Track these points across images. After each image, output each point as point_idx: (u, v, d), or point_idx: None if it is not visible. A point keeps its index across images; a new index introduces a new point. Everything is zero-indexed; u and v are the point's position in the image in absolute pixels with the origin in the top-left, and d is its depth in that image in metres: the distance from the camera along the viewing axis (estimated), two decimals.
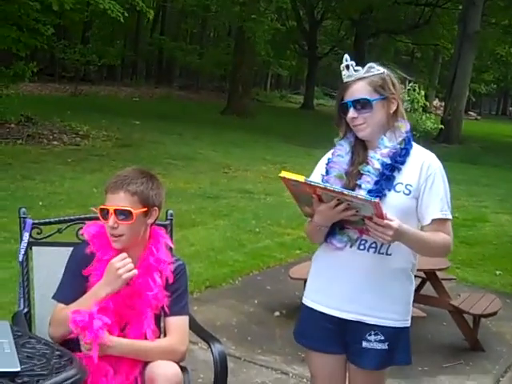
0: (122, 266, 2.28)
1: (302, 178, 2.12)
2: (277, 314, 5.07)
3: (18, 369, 1.75)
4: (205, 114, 22.47)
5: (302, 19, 35.55)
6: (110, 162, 10.95)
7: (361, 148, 2.41)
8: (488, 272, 6.96)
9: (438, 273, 4.88)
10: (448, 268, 4.95)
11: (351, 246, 2.35)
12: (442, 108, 26.79)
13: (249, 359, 4.22)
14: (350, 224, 2.27)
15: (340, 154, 2.42)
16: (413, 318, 4.09)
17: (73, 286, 2.42)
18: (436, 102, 37.61)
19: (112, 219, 2.32)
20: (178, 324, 2.42)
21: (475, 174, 15.57)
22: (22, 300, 2.64)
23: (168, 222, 2.91)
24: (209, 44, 40.59)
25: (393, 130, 2.37)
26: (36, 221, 2.72)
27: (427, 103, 10.07)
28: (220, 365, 2.45)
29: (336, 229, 2.34)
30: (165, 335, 2.46)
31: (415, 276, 5.05)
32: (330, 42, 39.33)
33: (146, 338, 2.36)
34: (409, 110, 10.57)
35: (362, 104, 2.32)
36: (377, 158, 2.34)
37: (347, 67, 2.34)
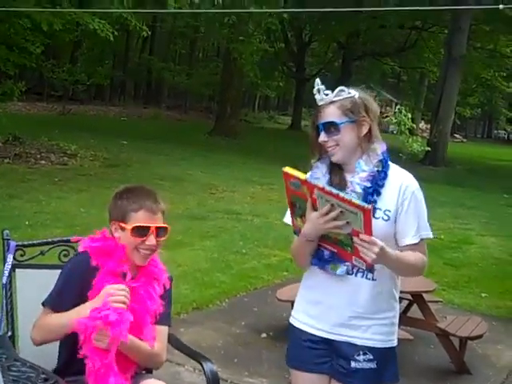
0: (115, 295, 2.29)
1: (303, 176, 2.15)
2: (264, 335, 5.05)
3: None
4: (193, 135, 22.52)
5: (290, 41, 35.87)
6: (97, 181, 10.93)
7: (337, 170, 2.42)
8: (474, 294, 6.99)
9: (424, 295, 4.90)
10: (434, 290, 4.97)
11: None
12: (428, 130, 27.03)
13: (236, 381, 4.20)
14: (335, 245, 2.26)
15: (317, 176, 2.42)
16: (400, 340, 4.11)
17: (70, 295, 2.41)
18: (422, 125, 37.92)
19: (152, 237, 2.38)
20: (163, 333, 2.50)
21: (461, 196, 15.67)
22: (2, 324, 2.61)
23: None
24: (197, 65, 40.78)
25: (368, 152, 2.37)
26: (19, 243, 2.71)
27: (414, 125, 10.16)
28: (212, 383, 2.49)
29: (329, 259, 2.34)
30: None
31: (402, 298, 5.12)
32: (318, 63, 39.70)
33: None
34: (395, 132, 10.67)
35: (331, 127, 2.34)
36: (356, 182, 2.35)
37: (318, 91, 2.37)
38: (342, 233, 2.19)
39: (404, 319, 5.08)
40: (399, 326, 4.52)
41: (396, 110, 10.16)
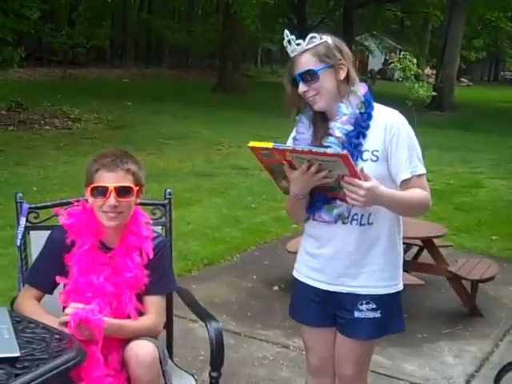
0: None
1: (270, 145, 2.10)
2: (275, 288, 5.09)
3: (18, 354, 1.75)
4: (196, 93, 22.36)
5: None
6: (102, 144, 10.89)
7: (321, 120, 2.36)
8: (484, 237, 6.99)
9: (434, 240, 4.90)
10: (444, 235, 4.97)
11: (342, 222, 2.32)
12: (433, 76, 26.67)
13: (249, 334, 4.24)
14: (330, 192, 2.23)
15: (301, 130, 2.38)
16: (411, 286, 4.14)
17: (48, 271, 2.41)
18: (427, 70, 37.41)
19: (113, 197, 2.30)
20: (156, 303, 2.42)
21: (469, 140, 15.56)
22: (21, 284, 2.62)
23: (167, 201, 2.88)
24: (197, 22, 40.23)
25: (348, 96, 2.31)
26: (32, 205, 2.71)
27: (419, 71, 9.99)
28: (216, 342, 2.44)
29: (323, 202, 2.31)
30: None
31: (412, 244, 5.13)
32: (319, 14, 39.02)
33: (129, 317, 2.35)
34: (401, 78, 10.52)
35: (309, 75, 2.27)
36: (337, 126, 2.29)
37: (289, 42, 2.31)
38: (330, 182, 2.16)
39: (414, 265, 5.12)
40: (409, 272, 4.59)
41: (401, 55, 9.99)
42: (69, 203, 2.73)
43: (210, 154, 11.34)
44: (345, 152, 2.04)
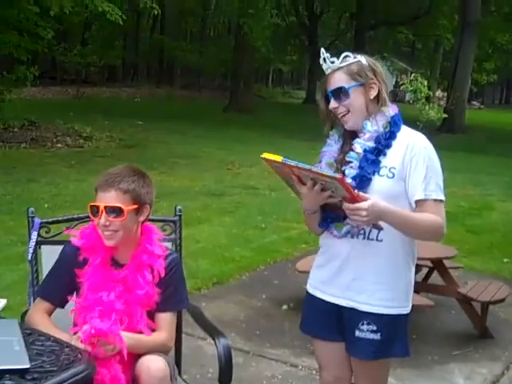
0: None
1: (279, 158, 2.14)
2: (285, 307, 5.07)
3: (28, 366, 1.76)
4: (207, 113, 22.48)
5: (301, 14, 35.50)
6: (114, 162, 10.78)
7: (349, 136, 2.42)
8: (495, 260, 6.94)
9: (445, 261, 4.88)
10: (455, 256, 4.95)
11: (351, 236, 2.35)
12: (444, 98, 26.70)
13: (258, 353, 4.23)
14: (339, 209, 2.24)
15: (330, 143, 2.47)
16: (421, 307, 4.12)
17: (59, 286, 2.44)
18: (438, 93, 37.50)
19: (103, 217, 2.32)
20: (168, 320, 2.43)
21: (480, 162, 15.52)
22: (31, 298, 2.64)
23: (177, 218, 2.90)
24: (209, 42, 40.58)
25: (376, 114, 2.36)
26: (44, 220, 2.73)
27: (430, 93, 10.02)
28: (224, 359, 2.44)
29: (333, 219, 2.35)
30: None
31: (422, 265, 5.11)
32: (331, 36, 39.27)
33: (141, 334, 2.36)
34: (412, 100, 10.54)
35: (340, 93, 2.34)
36: (359, 142, 2.35)
37: (324, 60, 2.38)
38: (335, 201, 2.20)
39: (424, 286, 5.09)
40: (419, 293, 4.56)
41: (411, 77, 10.02)
42: (80, 219, 2.75)
43: (220, 173, 11.37)
44: (339, 176, 2.11)
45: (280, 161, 2.13)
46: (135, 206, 2.37)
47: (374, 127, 2.34)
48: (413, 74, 11.15)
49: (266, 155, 2.16)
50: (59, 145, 12.96)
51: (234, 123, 19.77)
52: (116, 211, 2.32)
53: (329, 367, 2.59)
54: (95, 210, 2.34)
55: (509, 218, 9.30)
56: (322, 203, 2.26)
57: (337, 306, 2.44)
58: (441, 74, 37.53)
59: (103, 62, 26.37)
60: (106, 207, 2.32)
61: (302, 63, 42.93)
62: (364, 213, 2.11)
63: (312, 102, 34.19)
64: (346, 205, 2.14)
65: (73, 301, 2.44)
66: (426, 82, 9.76)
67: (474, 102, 46.61)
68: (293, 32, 35.55)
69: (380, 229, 2.25)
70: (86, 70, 27.77)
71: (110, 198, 2.33)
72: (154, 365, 2.24)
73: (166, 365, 2.27)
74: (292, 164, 2.14)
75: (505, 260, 6.93)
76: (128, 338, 2.27)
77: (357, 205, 2.12)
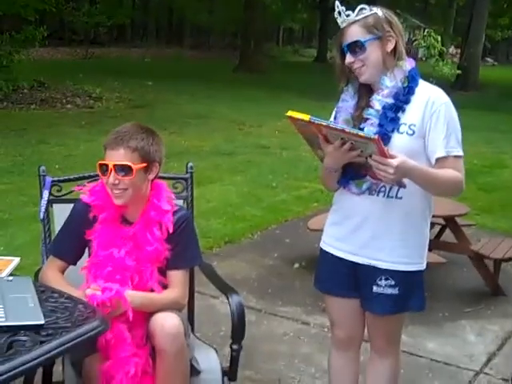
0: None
1: (306, 117, 2.10)
2: (296, 266, 5.09)
3: (42, 322, 1.77)
4: (217, 73, 22.30)
5: None
6: (124, 123, 10.62)
7: (365, 91, 2.37)
8: (507, 218, 6.92)
9: (457, 219, 4.86)
10: (467, 214, 4.92)
11: (369, 193, 2.34)
12: (458, 55, 26.33)
13: (270, 311, 4.26)
14: (363, 169, 2.24)
15: (345, 98, 2.40)
16: (433, 264, 4.12)
17: (71, 243, 2.45)
18: (452, 49, 36.96)
19: (112, 175, 2.30)
20: (180, 277, 2.42)
21: (493, 120, 15.37)
22: (44, 257, 2.65)
23: (188, 175, 2.89)
24: (219, 1, 40.04)
25: (393, 69, 2.31)
26: (55, 178, 2.73)
27: (444, 48, 9.83)
28: (237, 316, 2.45)
29: (353, 176, 2.32)
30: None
31: (435, 223, 5.10)
32: None
33: (152, 291, 2.37)
34: (425, 56, 10.36)
35: (356, 46, 2.28)
36: (378, 99, 2.30)
37: (339, 13, 2.31)
38: (362, 160, 2.18)
39: (437, 243, 5.08)
40: (432, 250, 4.55)
41: (425, 33, 9.83)
42: (91, 177, 2.75)
43: (231, 133, 11.33)
44: (376, 137, 2.05)
45: (307, 119, 2.10)
46: (144, 164, 2.35)
47: (392, 82, 2.29)
48: (426, 30, 10.92)
49: (291, 113, 2.12)
50: (69, 106, 12.93)
51: (244, 83, 19.62)
52: (125, 169, 2.31)
53: (341, 324, 2.60)
54: (104, 169, 2.33)
55: None
56: (347, 162, 2.23)
57: (352, 262, 2.43)
58: (454, 31, 36.93)
59: (112, 22, 26.07)
60: (114, 165, 2.30)
61: (313, 21, 42.35)
62: (391, 170, 2.08)
63: (323, 60, 33.96)
64: (375, 157, 2.09)
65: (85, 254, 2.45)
66: (439, 38, 9.56)
67: (488, 59, 45.92)
68: None
69: (403, 186, 2.21)
70: (94, 30, 27.53)
71: (118, 156, 2.31)
72: (167, 321, 2.24)
73: (180, 321, 2.28)
74: (322, 123, 2.11)
75: None
76: (136, 297, 2.28)
77: (387, 160, 2.08)
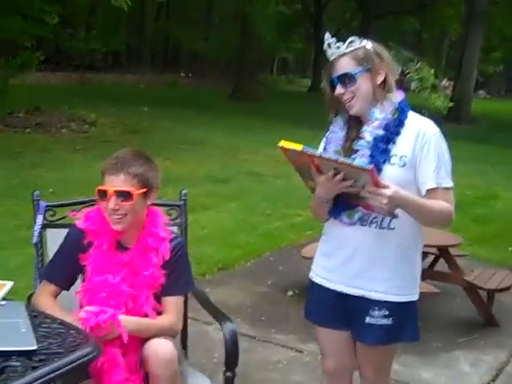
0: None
1: (299, 147, 2.10)
2: (290, 293, 5.07)
3: (35, 347, 1.76)
4: (212, 100, 22.41)
5: (306, 2, 35.32)
6: (119, 148, 10.40)
7: (354, 123, 2.39)
8: (500, 248, 6.93)
9: (450, 249, 4.87)
10: (460, 244, 4.93)
11: (361, 224, 2.34)
12: (451, 87, 26.60)
13: (263, 339, 4.23)
14: (355, 199, 2.24)
15: (334, 129, 2.42)
16: (426, 294, 4.11)
17: (65, 268, 2.44)
18: (444, 82, 37.34)
19: (112, 201, 2.30)
20: (175, 303, 2.42)
21: (486, 152, 15.47)
22: (37, 281, 2.63)
23: (182, 202, 2.89)
24: (214, 29, 40.40)
25: (383, 101, 2.33)
26: (49, 203, 2.72)
27: (437, 81, 9.94)
28: (230, 343, 2.44)
29: (345, 207, 2.33)
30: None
31: (428, 253, 5.10)
32: (336, 25, 39.08)
33: (147, 317, 2.36)
34: (418, 89, 10.45)
35: (346, 78, 2.30)
36: (369, 130, 2.31)
37: (329, 45, 2.33)
38: (354, 190, 2.18)
39: (430, 273, 5.07)
40: (425, 280, 4.54)
41: (418, 65, 9.94)
42: (85, 202, 2.75)
43: (225, 160, 11.34)
44: (371, 167, 2.07)
45: (300, 150, 2.09)
46: (144, 190, 2.36)
47: (382, 114, 2.31)
48: (419, 63, 11.03)
49: (283, 143, 2.12)
50: (64, 130, 12.94)
51: (239, 111, 19.71)
52: (125, 195, 2.31)
53: (331, 356, 2.58)
54: (103, 194, 2.33)
55: None
56: (339, 192, 2.23)
57: (343, 294, 2.41)
58: (447, 64, 37.36)
59: (107, 48, 26.25)
60: (115, 191, 2.30)
61: (308, 51, 42.76)
62: (385, 200, 2.09)
63: (317, 90, 34.16)
64: (368, 188, 2.10)
65: (78, 280, 2.43)
66: (432, 71, 9.68)
67: (480, 92, 46.37)
68: (298, 20, 35.38)
69: (395, 217, 2.21)
70: (90, 56, 27.70)
71: (118, 181, 2.31)
72: (161, 347, 2.23)
73: (174, 347, 2.26)
74: (315, 154, 2.12)
75: (509, 249, 6.93)
76: (131, 322, 2.27)
77: (380, 191, 2.09)
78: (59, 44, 27.65)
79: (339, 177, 2.14)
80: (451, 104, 11.89)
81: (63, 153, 10.61)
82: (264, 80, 34.40)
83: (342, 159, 2.12)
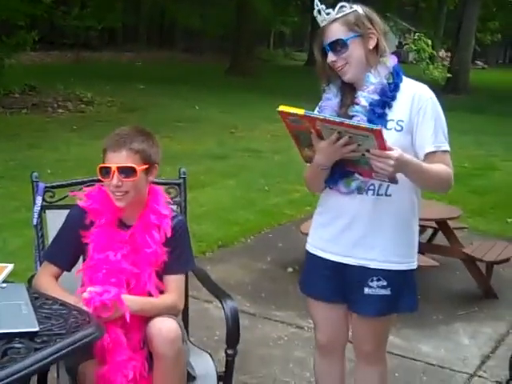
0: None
1: (301, 111, 2.06)
2: (290, 270, 5.09)
3: (37, 329, 1.76)
4: (209, 76, 22.29)
5: None
6: (116, 127, 10.47)
7: (348, 89, 2.35)
8: (499, 220, 6.96)
9: (449, 222, 4.88)
10: (459, 217, 4.95)
11: (358, 192, 2.30)
12: (448, 58, 26.45)
13: (264, 315, 4.26)
14: (353, 166, 2.20)
15: (328, 97, 2.37)
16: (425, 267, 4.13)
17: (66, 249, 2.43)
18: (442, 53, 37.08)
19: (116, 177, 2.29)
20: (177, 282, 2.42)
21: (483, 123, 15.44)
22: (38, 263, 2.64)
23: (181, 180, 2.88)
24: (210, 4, 40.01)
25: (377, 66, 2.29)
26: (48, 184, 2.72)
27: (434, 52, 9.91)
28: (232, 321, 2.44)
29: (342, 175, 2.28)
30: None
31: (427, 226, 5.12)
32: None
33: (149, 295, 2.36)
34: (415, 60, 10.42)
35: (338, 45, 2.26)
36: (363, 95, 2.27)
37: (319, 12, 2.29)
38: (356, 155, 2.13)
39: (429, 247, 5.10)
40: (424, 254, 4.57)
41: (415, 37, 9.89)
42: (84, 182, 2.74)
43: (223, 136, 11.32)
44: (379, 127, 2.00)
45: (302, 113, 2.05)
46: (146, 166, 2.36)
47: (376, 79, 2.28)
48: (416, 34, 10.97)
49: (283, 108, 2.07)
50: (60, 110, 12.90)
51: (236, 86, 19.62)
52: (128, 171, 2.31)
53: (325, 329, 2.57)
54: (106, 171, 2.32)
55: None
56: (340, 157, 2.17)
57: (341, 264, 2.39)
58: (444, 34, 37.08)
59: (102, 26, 26.00)
60: (118, 168, 2.30)
61: (304, 24, 42.41)
62: (392, 162, 2.04)
63: (314, 64, 33.93)
64: (374, 151, 2.04)
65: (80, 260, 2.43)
66: (429, 42, 9.65)
67: (478, 62, 46.11)
68: None
69: (396, 182, 2.16)
70: (85, 35, 27.44)
71: (121, 158, 2.31)
72: (165, 326, 2.23)
73: (178, 326, 2.27)
74: (319, 116, 2.07)
75: (508, 220, 6.95)
76: (134, 301, 2.27)
77: (387, 152, 2.04)
78: (54, 23, 27.36)
79: (342, 141, 2.08)
80: (449, 75, 11.86)
81: (60, 133, 10.58)
82: (261, 54, 34.19)
83: (347, 121, 2.06)
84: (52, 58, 25.10)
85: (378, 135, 2.00)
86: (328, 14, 2.28)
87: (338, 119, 2.08)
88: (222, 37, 39.65)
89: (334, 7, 2.28)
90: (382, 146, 2.03)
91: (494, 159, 10.73)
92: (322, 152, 2.17)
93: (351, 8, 2.29)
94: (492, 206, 7.59)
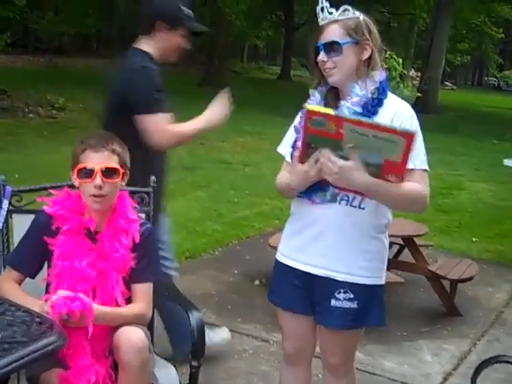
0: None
1: (330, 111, 2.04)
2: (257, 282, 5.09)
3: None
4: (182, 87, 22.15)
5: None
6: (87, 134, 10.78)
7: (332, 97, 2.34)
8: (464, 239, 7.05)
9: (415, 239, 4.93)
10: (425, 234, 5.00)
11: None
12: (418, 78, 26.81)
13: (229, 328, 4.21)
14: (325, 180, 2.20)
15: (311, 103, 2.34)
16: (391, 284, 4.16)
17: (31, 255, 2.39)
18: (412, 72, 37.57)
19: (98, 178, 2.27)
20: (145, 291, 2.40)
21: (451, 143, 15.65)
22: (2, 268, 2.60)
23: (151, 189, 2.87)
24: None
25: (365, 78, 2.29)
26: (16, 188, 2.68)
27: (405, 71, 10.01)
28: (197, 332, 2.44)
29: (317, 189, 2.28)
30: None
31: (393, 243, 5.16)
32: (307, 12, 39.02)
33: (116, 302, 2.33)
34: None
35: (332, 47, 2.25)
36: (347, 106, 2.26)
37: (322, 9, 2.29)
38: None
39: (395, 263, 5.14)
40: (390, 270, 4.60)
41: (386, 55, 10.00)
42: (52, 188, 2.70)
43: (193, 147, 11.24)
44: (414, 131, 2.00)
45: (332, 114, 2.03)
46: (123, 170, 2.35)
47: (362, 91, 2.26)
48: (388, 53, 11.08)
49: (311, 107, 2.07)
50: (31, 115, 12.75)
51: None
52: (111, 172, 2.29)
53: (292, 338, 2.56)
54: (88, 172, 2.28)
55: (478, 198, 9.44)
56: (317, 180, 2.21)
57: (309, 275, 2.37)
58: (415, 54, 37.61)
59: (77, 30, 25.82)
60: (101, 168, 2.27)
61: (278, 39, 42.64)
62: (335, 169, 2.10)
63: (286, 78, 34.09)
64: (324, 152, 2.09)
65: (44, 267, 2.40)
66: (400, 60, 9.72)
67: (447, 83, 46.88)
68: (269, 7, 35.21)
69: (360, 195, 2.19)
70: (59, 39, 27.22)
71: (103, 158, 2.28)
72: (133, 335, 2.20)
73: (145, 335, 2.25)
74: (351, 118, 2.04)
75: (473, 239, 7.04)
76: (103, 312, 2.24)
77: (334, 159, 2.08)
78: (27, 26, 27.13)
79: (313, 172, 2.13)
80: (419, 94, 12.01)
81: (30, 138, 10.46)
82: (234, 67, 34.27)
83: (382, 124, 2.02)
84: (24, 62, 24.82)
85: (411, 139, 1.99)
86: (331, 13, 2.28)
87: (370, 121, 2.06)
88: (196, 48, 39.68)
89: (337, 8, 2.28)
90: (407, 153, 2.02)
91: (461, 179, 10.89)
92: (299, 176, 2.22)
93: (354, 13, 2.29)
94: (458, 224, 7.69)
